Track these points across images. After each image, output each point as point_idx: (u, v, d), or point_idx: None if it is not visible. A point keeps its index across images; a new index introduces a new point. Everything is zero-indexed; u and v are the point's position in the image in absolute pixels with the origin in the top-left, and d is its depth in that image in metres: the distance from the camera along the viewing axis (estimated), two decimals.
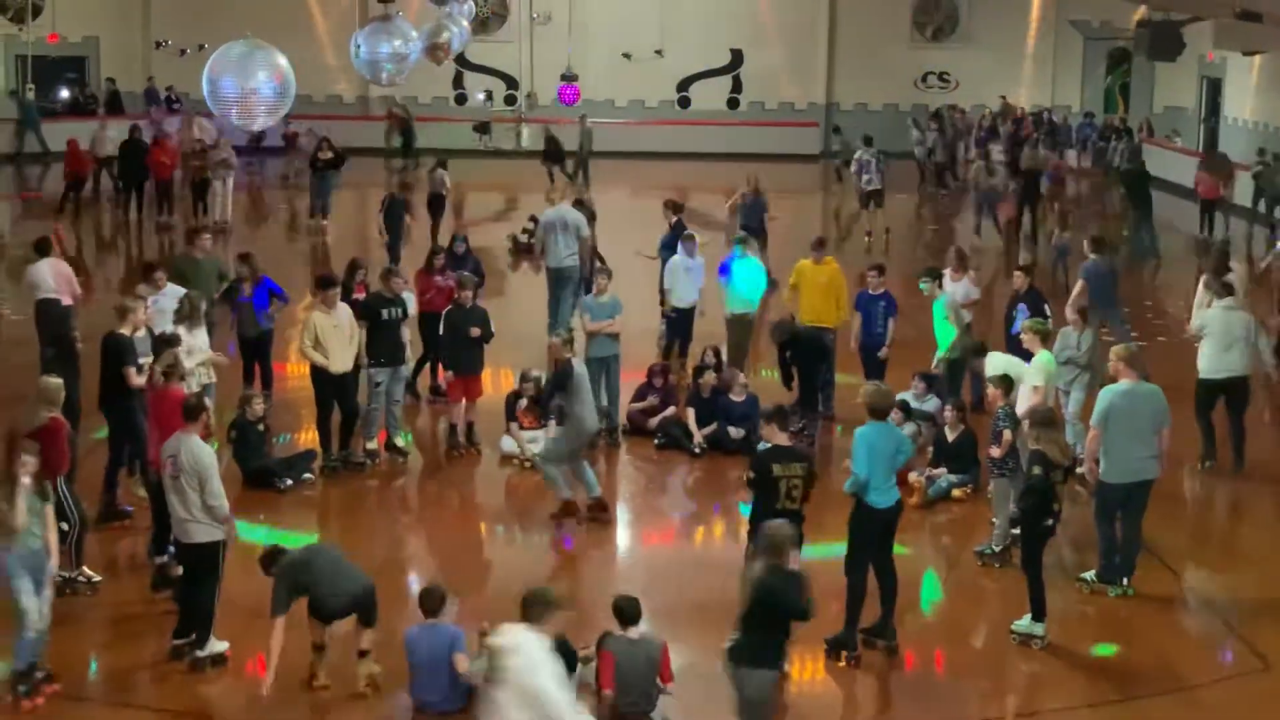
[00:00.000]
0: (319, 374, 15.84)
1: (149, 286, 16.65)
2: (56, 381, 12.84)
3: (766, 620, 9.66)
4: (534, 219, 27.32)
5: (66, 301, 18.28)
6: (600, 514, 14.77)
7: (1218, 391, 16.26)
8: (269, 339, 17.61)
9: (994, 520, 13.83)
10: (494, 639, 9.11)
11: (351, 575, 11.27)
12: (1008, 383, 14.02)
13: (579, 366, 14.83)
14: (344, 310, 16.02)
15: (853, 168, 33.21)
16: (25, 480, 10.92)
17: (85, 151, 33.37)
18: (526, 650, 8.88)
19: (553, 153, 37.70)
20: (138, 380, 13.92)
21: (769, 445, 11.74)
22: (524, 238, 28.60)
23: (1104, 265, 19.58)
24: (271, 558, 11.09)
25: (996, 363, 14.84)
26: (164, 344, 13.99)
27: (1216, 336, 16.22)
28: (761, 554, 9.87)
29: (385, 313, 16.21)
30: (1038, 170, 33.16)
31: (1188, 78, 40.35)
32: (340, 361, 15.77)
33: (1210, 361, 16.25)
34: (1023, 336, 14.73)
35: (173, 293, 16.30)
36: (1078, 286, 18.79)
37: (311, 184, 31.55)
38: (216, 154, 31.72)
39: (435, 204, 29.03)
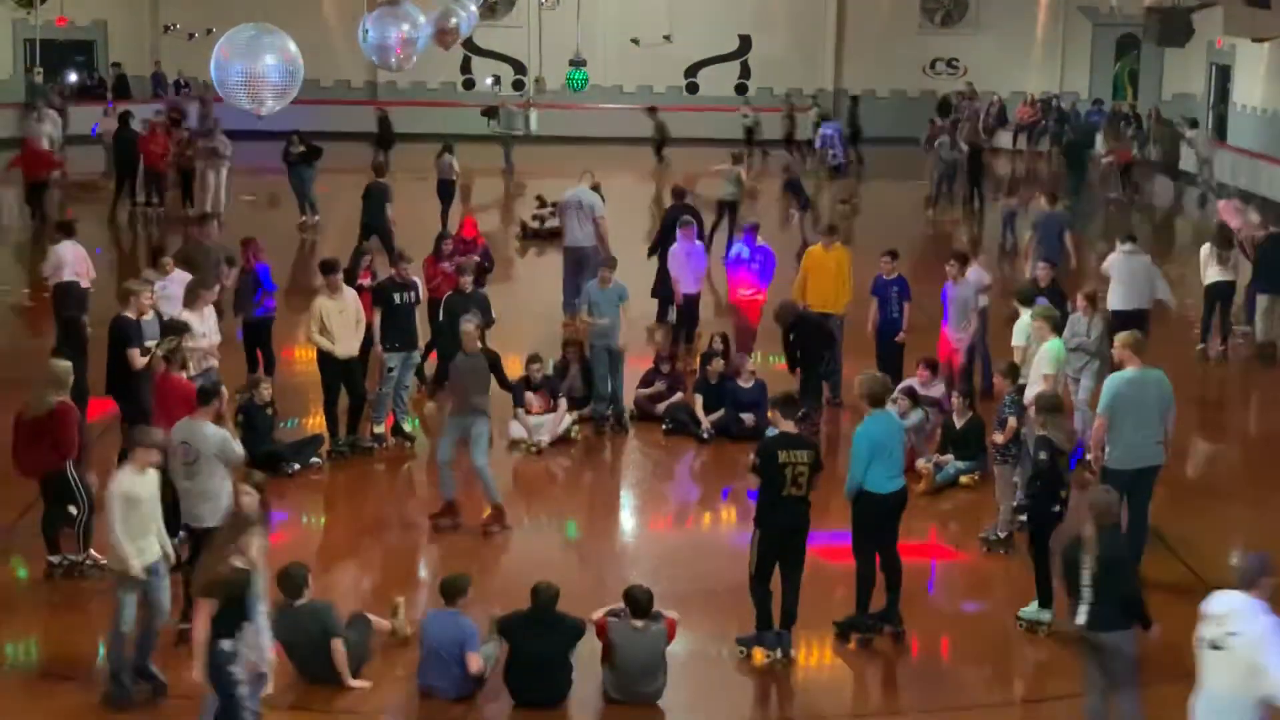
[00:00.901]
0: (325, 359, 15.85)
1: (156, 271, 16.70)
2: (65, 364, 12.87)
3: (1120, 580, 9.74)
4: (540, 200, 27.11)
5: (85, 284, 18.31)
6: (495, 525, 14.18)
7: (1128, 321, 17.07)
8: (268, 324, 17.58)
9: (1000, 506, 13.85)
10: (1211, 605, 8.83)
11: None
12: (1014, 371, 14.05)
13: (468, 359, 14.38)
14: (350, 295, 16.01)
15: (817, 143, 33.73)
16: (252, 512, 10.49)
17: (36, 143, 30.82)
18: (1255, 621, 8.52)
19: (383, 137, 36.85)
20: (140, 361, 13.96)
21: (775, 432, 11.74)
22: (534, 223, 28.55)
23: (1057, 218, 22.11)
24: (282, 579, 10.99)
25: (1023, 326, 14.89)
26: (172, 330, 13.98)
27: (1121, 277, 18.57)
28: (1093, 519, 9.85)
29: (398, 297, 16.21)
30: (979, 145, 34.92)
31: (1197, 64, 40.21)
32: (346, 346, 15.77)
33: (1116, 298, 18.35)
34: (1033, 324, 14.71)
35: (179, 279, 16.35)
36: (1029, 235, 21.86)
37: (291, 182, 30.12)
38: (207, 143, 30.49)
39: (444, 190, 29.00)
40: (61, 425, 12.36)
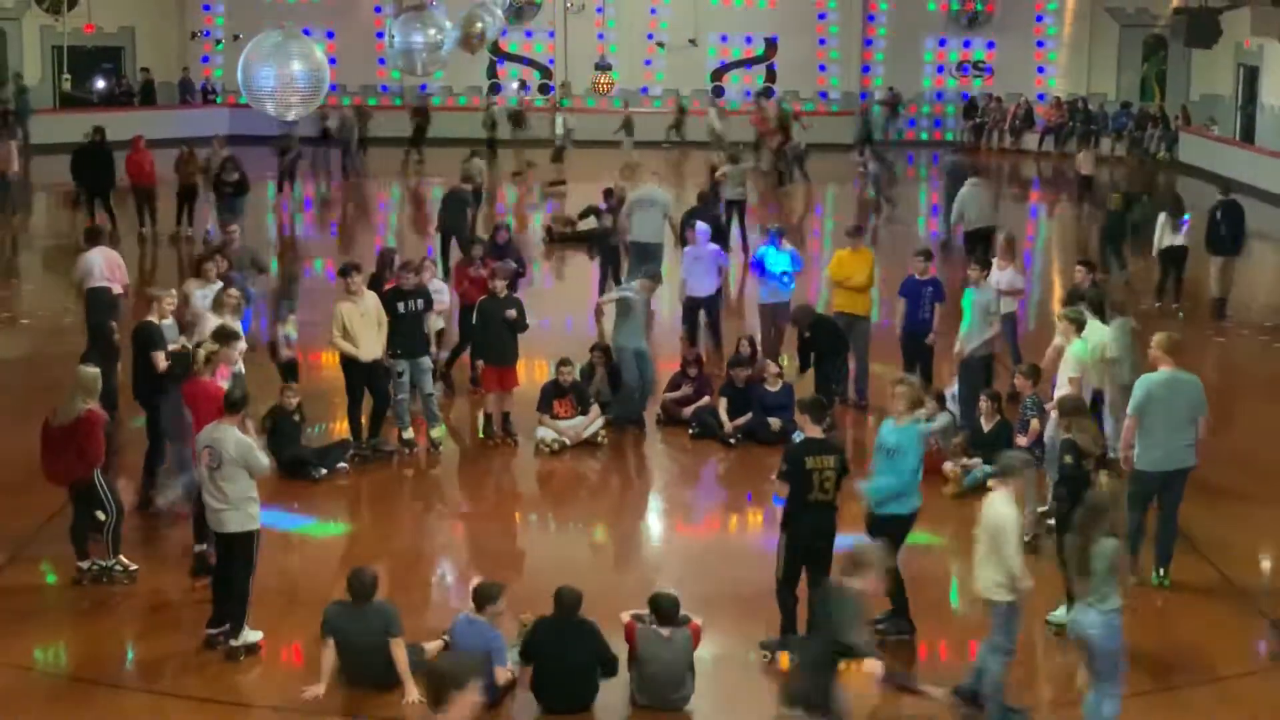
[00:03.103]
0: (349, 363, 15.88)
1: (199, 281, 16.73)
2: (93, 371, 12.88)
3: None
4: (607, 192, 26.53)
5: (117, 290, 18.41)
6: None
7: (976, 239, 24.49)
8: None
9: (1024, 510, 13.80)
10: None
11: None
12: (1036, 372, 13.99)
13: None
14: (370, 298, 16.03)
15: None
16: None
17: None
18: None
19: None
20: (164, 364, 14.03)
21: (802, 437, 11.72)
22: (568, 227, 28.44)
23: (960, 164, 28.23)
24: (353, 581, 10.98)
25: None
26: (226, 336, 14.00)
27: (969, 205, 24.93)
28: None
29: (402, 306, 16.19)
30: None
31: (1224, 64, 40.09)
32: (368, 350, 15.79)
33: (968, 222, 24.94)
34: (1058, 325, 14.64)
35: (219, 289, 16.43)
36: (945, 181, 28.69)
37: (220, 215, 26.70)
38: (216, 159, 28.28)
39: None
40: (88, 434, 12.39)
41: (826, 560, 11.36)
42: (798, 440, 11.86)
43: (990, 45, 45.20)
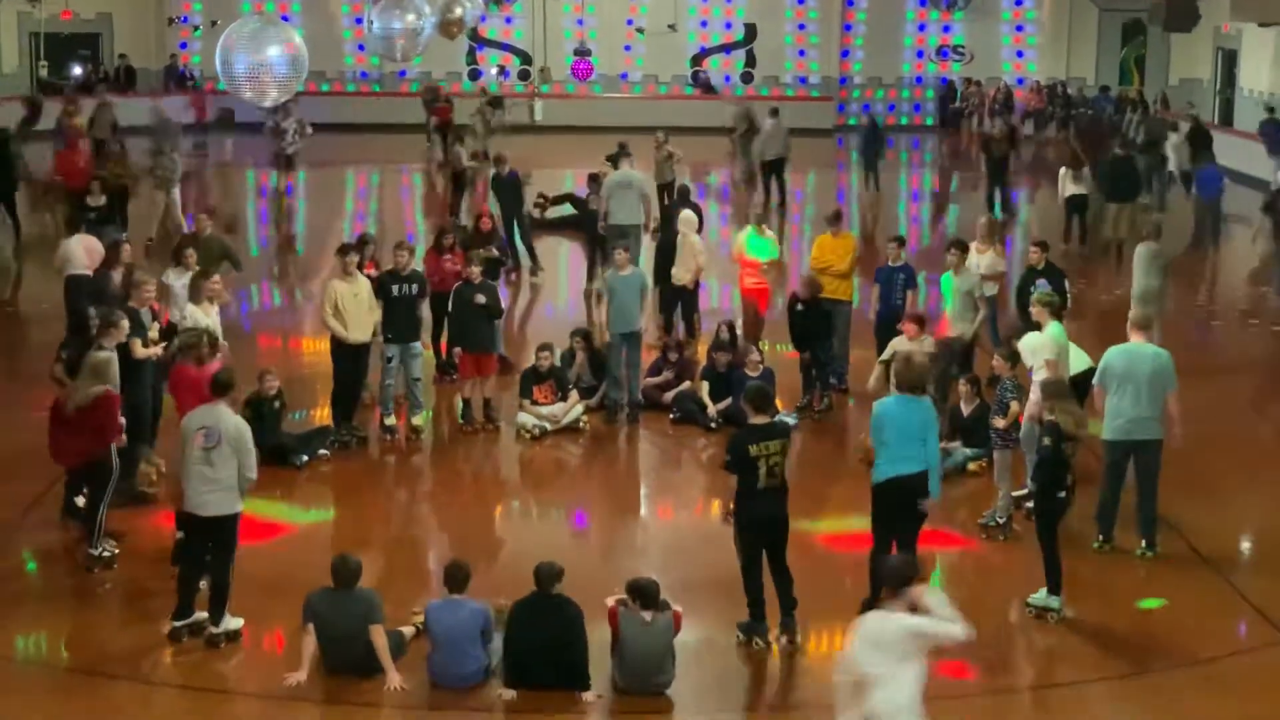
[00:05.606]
0: (338, 344, 15.85)
1: (179, 269, 16.67)
2: (104, 356, 12.92)
3: None
4: (594, 178, 26.32)
5: None
6: None
7: (770, 169, 30.57)
8: None
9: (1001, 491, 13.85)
10: None
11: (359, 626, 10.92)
12: (1014, 355, 13.96)
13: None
14: (363, 280, 16.00)
15: None
16: None
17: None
18: None
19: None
20: (143, 352, 14.04)
21: (746, 426, 11.76)
22: (537, 212, 28.47)
23: (869, 124, 33.09)
24: (339, 567, 10.95)
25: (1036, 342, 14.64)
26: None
27: (768, 140, 30.77)
28: None
29: (396, 289, 16.18)
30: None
31: (1203, 49, 40.16)
32: (359, 331, 15.78)
33: (769, 152, 30.71)
34: (1031, 309, 14.63)
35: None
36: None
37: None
38: (162, 161, 26.24)
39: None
40: (108, 412, 12.55)
41: (783, 543, 11.40)
42: (741, 430, 11.90)
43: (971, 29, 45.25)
